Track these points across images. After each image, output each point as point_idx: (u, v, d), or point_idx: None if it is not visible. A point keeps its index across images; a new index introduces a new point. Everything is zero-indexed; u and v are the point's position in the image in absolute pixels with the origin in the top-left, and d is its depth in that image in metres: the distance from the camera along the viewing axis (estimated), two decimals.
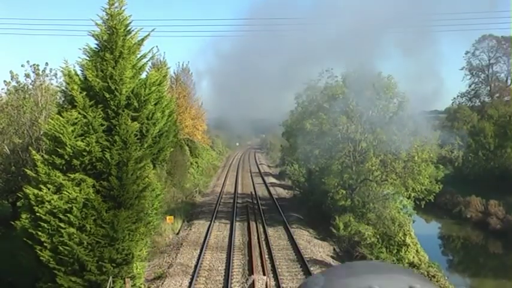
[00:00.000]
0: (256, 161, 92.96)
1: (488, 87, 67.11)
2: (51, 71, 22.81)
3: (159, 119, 15.38)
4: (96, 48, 14.25)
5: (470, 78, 67.74)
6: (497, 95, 66.32)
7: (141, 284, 16.11)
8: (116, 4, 14.01)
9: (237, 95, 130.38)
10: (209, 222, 30.68)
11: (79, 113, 13.42)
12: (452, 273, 28.68)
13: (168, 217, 27.67)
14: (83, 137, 13.30)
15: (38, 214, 12.89)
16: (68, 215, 12.91)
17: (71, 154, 13.18)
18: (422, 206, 29.00)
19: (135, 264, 14.73)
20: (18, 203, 16.88)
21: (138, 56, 14.78)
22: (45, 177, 13.16)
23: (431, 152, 28.46)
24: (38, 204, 12.95)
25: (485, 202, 42.32)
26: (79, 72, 14.23)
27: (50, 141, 13.45)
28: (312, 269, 20.51)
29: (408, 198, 29.33)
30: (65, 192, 13.02)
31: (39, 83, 22.81)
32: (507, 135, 51.20)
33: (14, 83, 23.09)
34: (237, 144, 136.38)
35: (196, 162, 57.34)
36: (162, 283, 18.99)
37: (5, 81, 23.14)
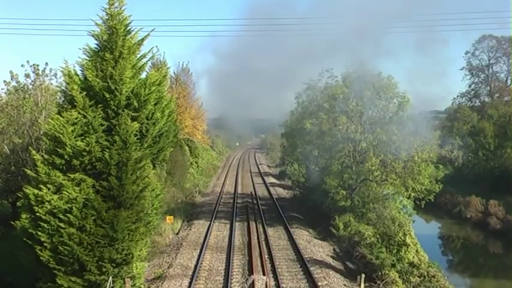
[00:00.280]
0: (256, 161, 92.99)
1: (488, 87, 67.17)
2: (51, 71, 22.88)
3: (159, 119, 15.39)
4: (96, 48, 14.25)
5: (470, 78, 67.90)
6: (497, 95, 66.39)
7: (141, 284, 16.10)
8: (116, 4, 14.01)
9: (237, 95, 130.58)
10: (209, 222, 30.69)
11: (79, 113, 13.43)
12: (452, 273, 28.67)
13: (168, 217, 27.68)
14: (82, 137, 13.31)
15: (38, 214, 12.89)
16: (68, 215, 12.91)
17: (71, 154, 13.18)
18: (422, 206, 29.00)
19: (135, 264, 14.73)
20: (18, 203, 16.85)
21: (138, 56, 14.78)
22: (45, 177, 13.17)
23: (431, 152, 28.45)
24: (38, 204, 12.96)
25: (485, 202, 42.33)
26: (79, 72, 14.23)
27: (50, 141, 13.44)
28: (311, 269, 20.52)
29: (408, 198, 29.32)
30: (65, 192, 13.02)
31: (39, 83, 22.83)
32: (507, 135, 51.19)
33: (14, 83, 23.14)
34: (237, 144, 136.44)
35: (196, 162, 57.37)
36: (162, 283, 18.98)
37: (5, 81, 23.19)
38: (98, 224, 13.18)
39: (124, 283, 14.03)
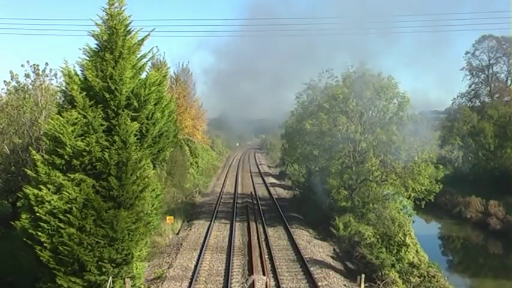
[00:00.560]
0: (256, 161, 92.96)
1: (488, 88, 67.10)
2: (51, 71, 22.88)
3: (158, 119, 15.38)
4: (96, 48, 14.25)
5: (470, 79, 67.80)
6: (497, 95, 66.30)
7: (140, 284, 16.11)
8: (116, 4, 14.02)
9: (237, 95, 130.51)
10: (209, 223, 30.69)
11: (79, 113, 13.43)
12: (452, 273, 28.68)
13: (168, 217, 27.69)
14: (82, 137, 13.31)
15: (38, 214, 12.89)
16: (68, 215, 12.91)
17: (71, 154, 13.18)
18: (423, 206, 29.00)
19: (135, 265, 14.73)
20: (18, 203, 16.87)
21: (138, 56, 14.79)
22: (45, 177, 13.17)
23: (431, 152, 28.45)
24: (38, 204, 12.95)
25: (485, 202, 42.34)
26: (79, 72, 14.23)
27: (50, 141, 13.44)
28: (311, 269, 20.52)
29: (408, 198, 29.33)
30: (65, 193, 13.02)
31: (39, 83, 22.83)
32: (507, 135, 51.20)
33: (14, 83, 23.14)
34: (237, 144, 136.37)
35: (196, 163, 57.37)
36: (162, 283, 18.99)
37: (5, 81, 23.19)
38: (98, 224, 13.18)
39: (124, 283, 14.04)
